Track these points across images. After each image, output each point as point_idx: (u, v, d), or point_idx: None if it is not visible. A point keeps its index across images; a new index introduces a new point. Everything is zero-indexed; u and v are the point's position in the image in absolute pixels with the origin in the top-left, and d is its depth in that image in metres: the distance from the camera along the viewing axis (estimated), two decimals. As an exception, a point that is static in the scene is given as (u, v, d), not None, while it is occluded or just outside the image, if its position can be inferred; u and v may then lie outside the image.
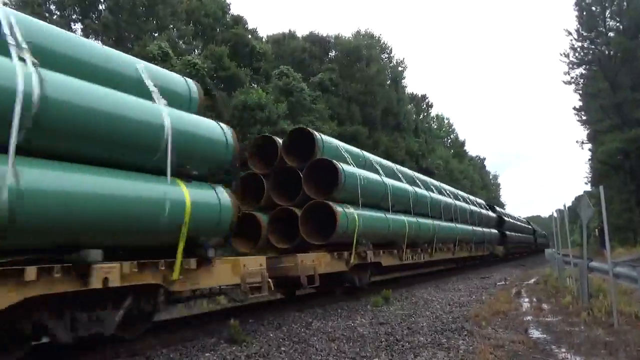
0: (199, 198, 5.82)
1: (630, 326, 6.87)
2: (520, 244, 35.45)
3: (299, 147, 10.21)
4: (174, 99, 6.15)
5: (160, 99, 5.80)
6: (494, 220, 26.06)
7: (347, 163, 10.64)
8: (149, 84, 5.86)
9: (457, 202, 19.20)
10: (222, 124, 6.76)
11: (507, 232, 28.84)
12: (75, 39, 5.60)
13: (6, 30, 4.37)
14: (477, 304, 9.78)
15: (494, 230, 25.07)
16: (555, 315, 8.23)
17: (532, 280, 15.68)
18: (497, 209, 30.51)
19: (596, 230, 26.95)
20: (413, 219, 13.31)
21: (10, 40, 4.33)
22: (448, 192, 19.23)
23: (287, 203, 9.90)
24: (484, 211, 24.16)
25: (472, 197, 24.86)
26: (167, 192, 5.40)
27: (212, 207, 6.06)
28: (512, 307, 9.11)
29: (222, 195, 6.29)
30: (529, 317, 8.04)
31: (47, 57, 4.63)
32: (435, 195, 16.48)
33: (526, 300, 10.60)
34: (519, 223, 37.63)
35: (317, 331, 6.88)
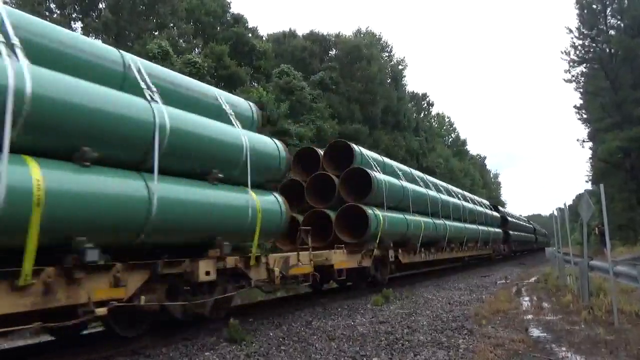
0: (268, 204, 7.28)
1: (631, 325, 6.86)
2: (522, 243, 36.50)
3: (335, 157, 11.72)
4: (242, 121, 7.38)
5: (237, 122, 7.10)
6: (497, 220, 27.00)
7: (376, 170, 11.94)
8: (229, 110, 7.11)
9: (465, 203, 20.33)
10: (276, 140, 7.95)
11: (510, 232, 29.84)
12: (174, 76, 6.79)
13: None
14: (477, 302, 9.78)
15: (498, 230, 26.07)
16: (556, 314, 8.22)
17: (533, 279, 15.68)
18: (500, 208, 31.75)
19: (597, 228, 26.85)
20: (429, 220, 14.50)
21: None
22: (455, 193, 20.46)
23: (322, 206, 11.08)
24: (488, 211, 25.40)
25: (477, 198, 26.46)
26: (249, 200, 6.79)
27: (276, 211, 7.46)
28: (512, 305, 9.10)
29: (281, 200, 7.65)
30: (529, 316, 8.04)
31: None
32: (445, 197, 17.65)
33: (526, 299, 10.59)
34: (521, 222, 38.86)
35: (317, 330, 6.88)
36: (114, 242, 5.00)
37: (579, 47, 40.08)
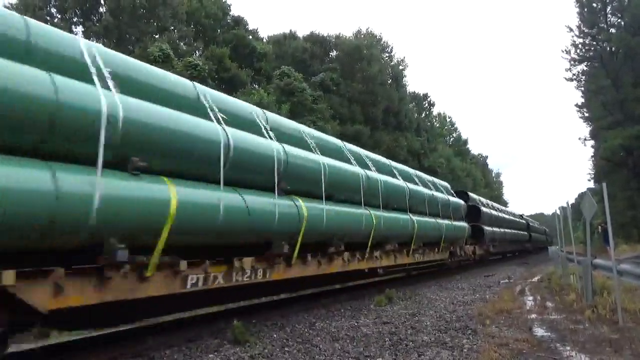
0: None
1: (635, 323, 6.84)
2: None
3: None
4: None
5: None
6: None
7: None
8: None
9: (511, 217, 15.72)
10: None
11: (485, 227, 21.24)
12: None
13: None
14: (481, 302, 9.76)
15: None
16: (560, 313, 8.21)
17: (536, 278, 15.66)
18: (472, 195, 23.15)
19: (599, 227, 26.75)
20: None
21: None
22: (513, 214, 16.13)
23: None
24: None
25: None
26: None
27: None
28: (516, 305, 9.09)
29: None
30: (533, 315, 8.02)
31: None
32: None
33: (530, 298, 10.58)
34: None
35: (321, 331, 6.88)
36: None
37: (580, 46, 40.07)
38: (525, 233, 35.50)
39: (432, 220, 14.32)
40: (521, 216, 39.16)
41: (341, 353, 5.58)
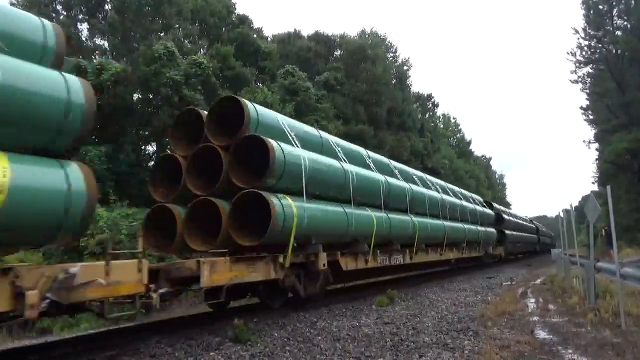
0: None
1: (638, 327, 6.81)
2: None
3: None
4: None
5: None
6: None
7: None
8: None
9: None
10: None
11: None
12: None
13: None
14: (483, 304, 9.74)
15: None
16: (562, 315, 8.17)
17: (538, 281, 15.62)
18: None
19: (603, 230, 26.61)
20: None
21: None
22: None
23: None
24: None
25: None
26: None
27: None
28: (518, 307, 9.07)
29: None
30: (535, 318, 8.00)
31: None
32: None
33: (532, 300, 10.55)
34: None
35: (322, 331, 6.88)
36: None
37: (585, 48, 39.96)
38: (535, 236, 30.79)
39: (473, 227, 19.72)
40: (531, 221, 30.49)
41: (342, 353, 5.58)
